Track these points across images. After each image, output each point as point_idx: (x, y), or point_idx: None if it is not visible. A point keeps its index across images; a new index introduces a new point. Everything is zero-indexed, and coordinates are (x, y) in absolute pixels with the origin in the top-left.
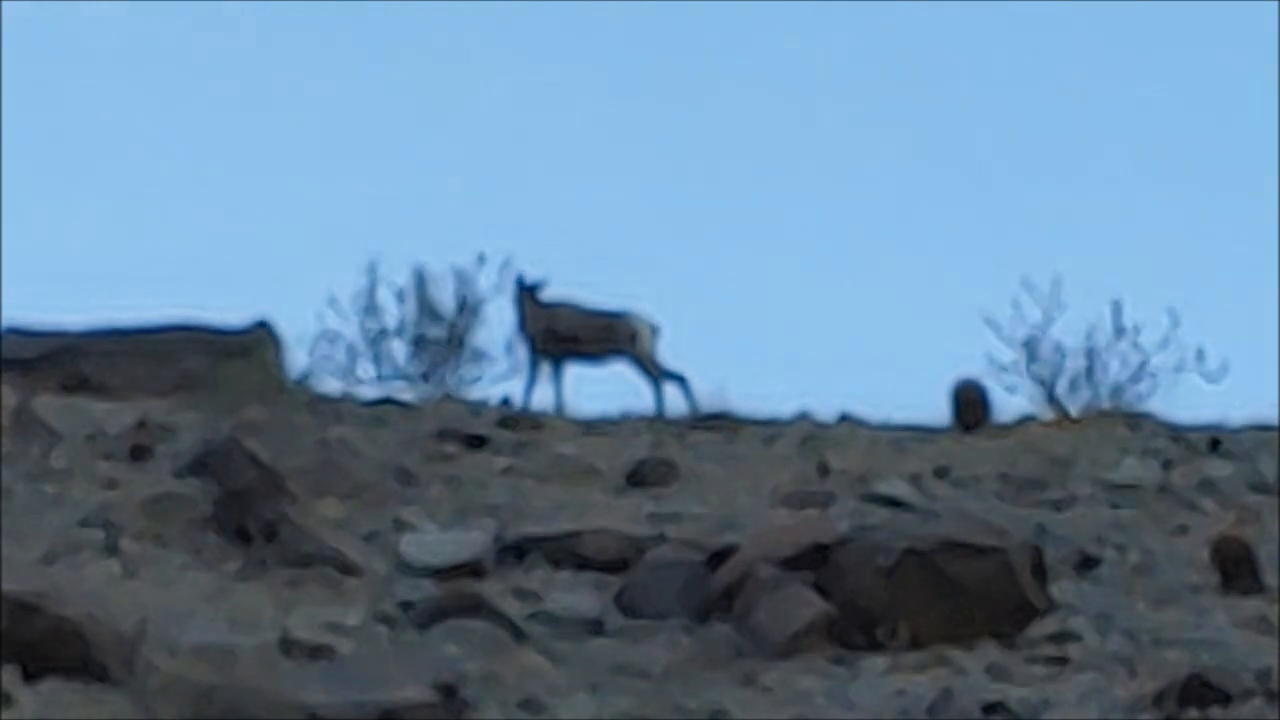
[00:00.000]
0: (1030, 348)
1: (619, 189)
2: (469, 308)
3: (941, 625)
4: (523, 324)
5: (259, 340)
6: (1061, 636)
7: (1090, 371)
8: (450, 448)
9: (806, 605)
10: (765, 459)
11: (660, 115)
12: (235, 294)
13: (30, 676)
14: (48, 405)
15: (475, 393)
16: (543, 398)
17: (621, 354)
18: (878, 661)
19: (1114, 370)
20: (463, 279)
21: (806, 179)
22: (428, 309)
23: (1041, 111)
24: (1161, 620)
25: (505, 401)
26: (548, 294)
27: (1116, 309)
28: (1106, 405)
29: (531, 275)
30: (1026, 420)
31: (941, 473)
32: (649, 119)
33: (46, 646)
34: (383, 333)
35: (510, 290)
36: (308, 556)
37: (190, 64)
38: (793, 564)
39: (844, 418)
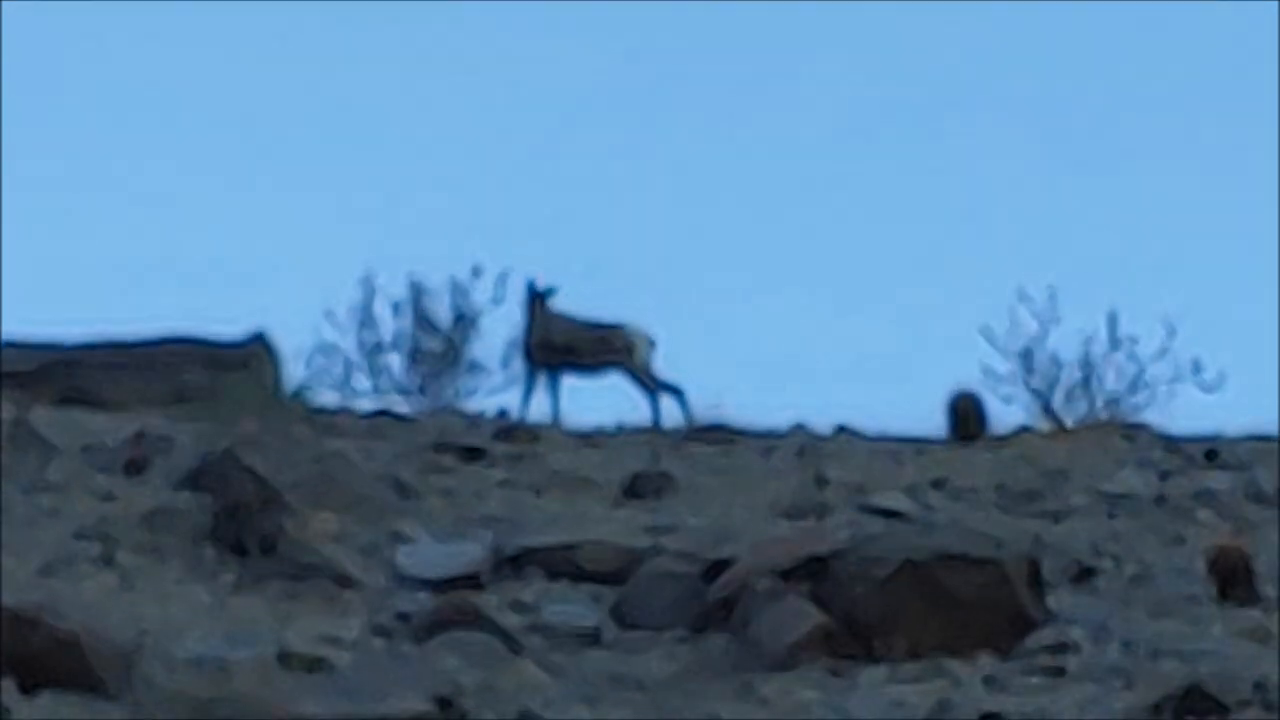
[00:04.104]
0: (1026, 359)
1: (615, 201)
2: (465, 320)
3: (939, 636)
4: (530, 330)
5: (256, 353)
6: (1059, 647)
7: (1087, 382)
8: (447, 460)
9: (804, 617)
10: (762, 471)
11: (656, 128)
12: (232, 307)
13: (28, 689)
14: (44, 418)
15: (472, 405)
16: (539, 410)
17: (618, 366)
18: (875, 672)
19: (1110, 381)
20: (459, 291)
21: (802, 191)
22: (424, 322)
23: (1037, 122)
24: (1159, 631)
25: (502, 413)
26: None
27: (1113, 320)
28: (1103, 416)
29: (542, 283)
30: (1023, 431)
31: (938, 484)
32: (645, 131)
33: (44, 659)
34: (379, 345)
35: (520, 296)
36: (305, 569)
37: (186, 75)
38: (790, 575)
39: (840, 429)
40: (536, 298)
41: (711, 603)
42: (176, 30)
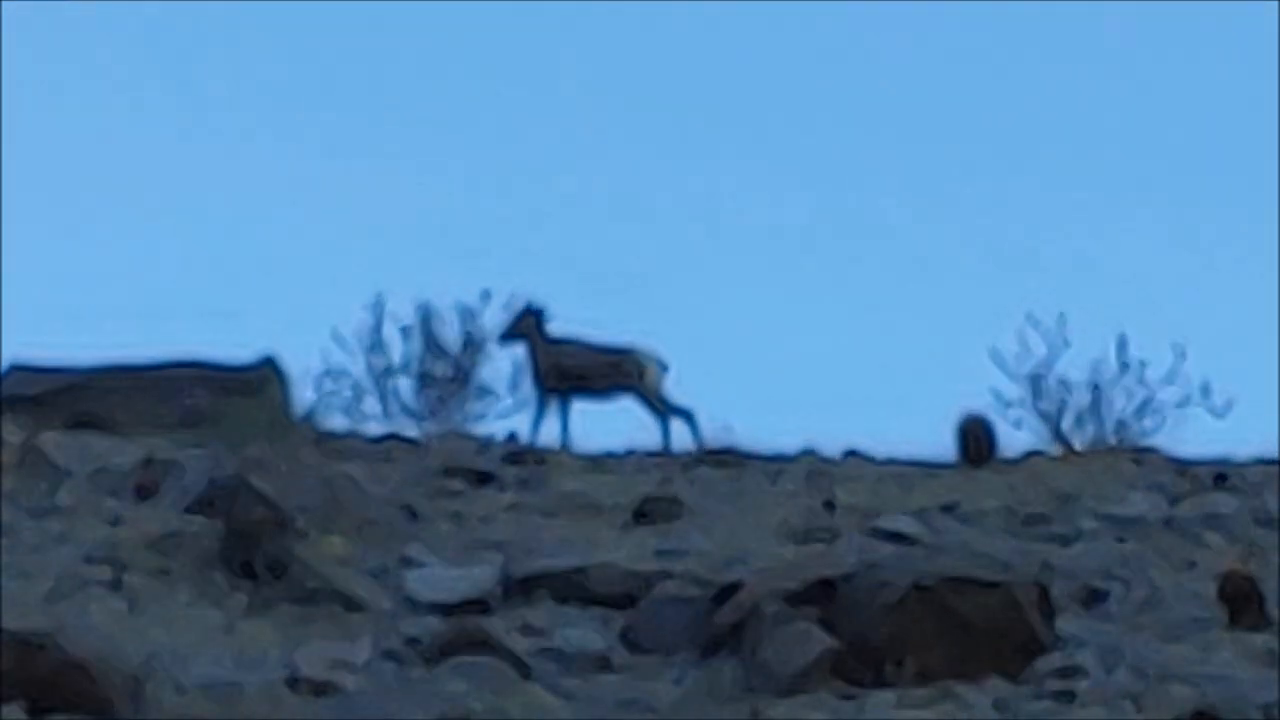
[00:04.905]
0: (1036, 383)
1: (626, 225)
2: (474, 344)
3: (948, 660)
4: (537, 354)
5: (265, 377)
6: (1068, 671)
7: (1096, 406)
8: (456, 484)
9: (813, 641)
10: (771, 494)
11: (665, 151)
12: (241, 331)
13: (37, 714)
14: (53, 442)
15: (481, 429)
16: (549, 433)
17: (629, 390)
18: (884, 697)
19: (1119, 405)
20: (468, 315)
21: (812, 213)
22: (433, 345)
23: (1046, 146)
24: (1168, 655)
25: (511, 437)
26: (555, 330)
27: (1122, 344)
28: (1112, 440)
29: (537, 306)
30: (1032, 455)
31: (948, 508)
32: (654, 155)
33: (53, 684)
34: (388, 369)
35: (515, 315)
36: (314, 593)
37: (193, 100)
38: (799, 599)
39: (850, 453)
40: (530, 319)
41: (720, 627)
42: (185, 52)
